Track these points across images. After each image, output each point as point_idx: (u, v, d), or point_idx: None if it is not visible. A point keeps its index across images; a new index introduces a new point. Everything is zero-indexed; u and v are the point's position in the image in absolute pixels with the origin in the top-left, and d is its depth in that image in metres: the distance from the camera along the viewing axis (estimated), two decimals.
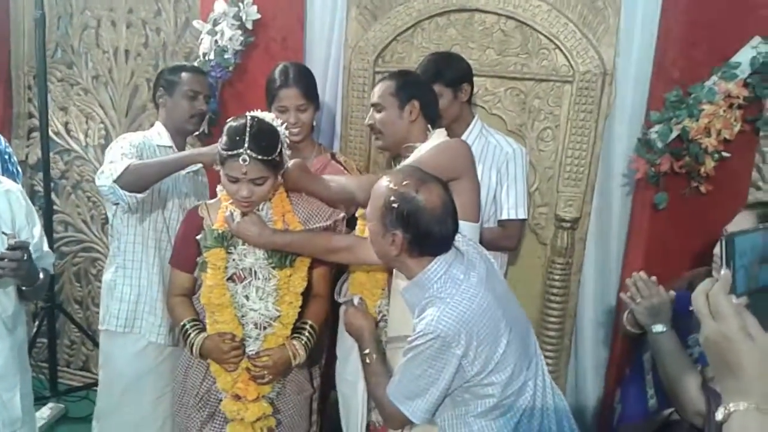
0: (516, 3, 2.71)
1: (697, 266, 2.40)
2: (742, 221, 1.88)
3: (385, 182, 1.64)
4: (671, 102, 2.41)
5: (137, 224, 2.39)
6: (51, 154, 3.33)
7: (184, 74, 2.47)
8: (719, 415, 0.90)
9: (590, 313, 2.89)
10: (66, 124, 3.40)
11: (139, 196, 2.19)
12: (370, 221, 1.67)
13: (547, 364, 2.83)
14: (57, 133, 3.39)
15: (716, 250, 1.94)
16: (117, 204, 2.27)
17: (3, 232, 1.89)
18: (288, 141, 2.04)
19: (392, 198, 1.59)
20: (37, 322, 3.33)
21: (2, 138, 2.61)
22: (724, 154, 2.42)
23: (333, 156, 2.59)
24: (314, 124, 2.53)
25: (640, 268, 2.58)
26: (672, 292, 1.99)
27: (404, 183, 1.60)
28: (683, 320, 1.94)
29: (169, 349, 2.42)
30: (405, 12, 2.83)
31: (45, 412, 3.23)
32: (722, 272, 0.91)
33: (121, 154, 2.24)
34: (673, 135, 2.42)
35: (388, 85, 2.17)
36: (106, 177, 2.16)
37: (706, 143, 2.38)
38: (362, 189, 1.98)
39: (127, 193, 2.16)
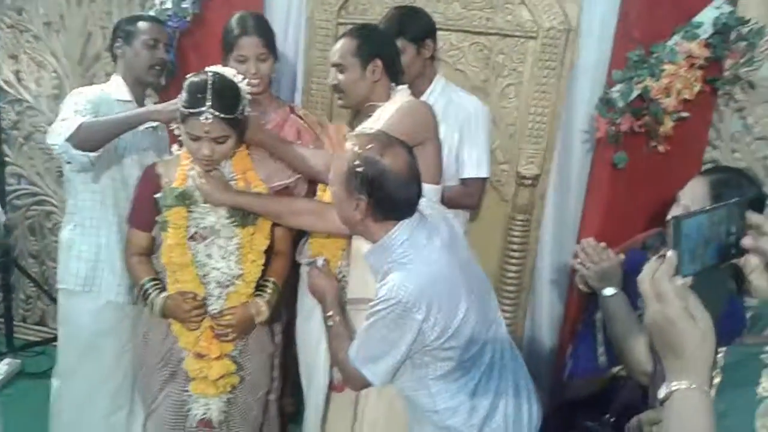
0: None
1: (654, 224, 2.45)
2: (696, 188, 1.90)
3: (349, 146, 1.63)
4: (633, 61, 2.42)
5: (94, 181, 2.33)
6: (1, 104, 3.23)
7: (141, 23, 2.39)
8: (661, 393, 0.94)
9: (547, 269, 2.94)
10: (17, 73, 3.27)
11: (92, 155, 2.13)
12: (333, 185, 1.66)
13: (505, 318, 2.91)
14: (7, 82, 3.26)
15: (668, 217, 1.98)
16: (70, 163, 2.22)
17: None
18: (249, 97, 1.99)
19: (357, 162, 1.58)
20: None
21: None
22: (683, 114, 2.44)
23: (292, 110, 2.52)
24: (273, 76, 2.47)
25: (598, 225, 2.67)
26: (621, 256, 2.03)
27: (369, 147, 1.59)
28: (634, 281, 1.98)
29: (129, 307, 2.40)
30: None
31: (1, 368, 3.19)
32: (668, 254, 0.94)
33: (74, 111, 2.17)
34: (634, 94, 2.43)
35: (349, 45, 2.13)
36: (57, 135, 2.11)
37: (666, 103, 2.41)
38: (329, 168, 1.95)
39: (80, 153, 2.11)
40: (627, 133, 2.50)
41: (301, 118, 2.48)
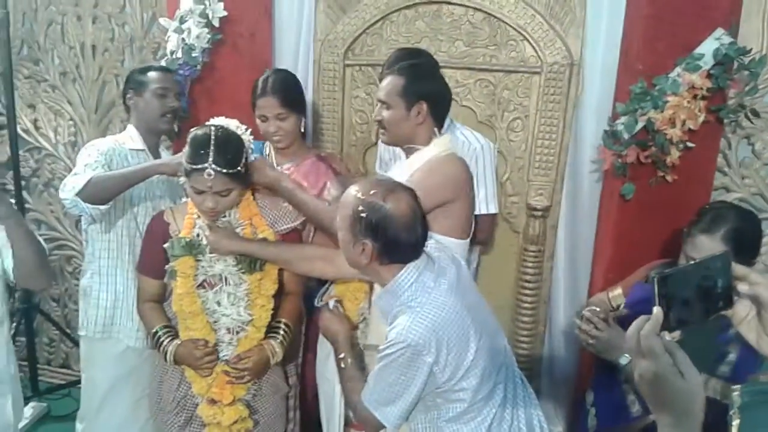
0: None
1: (664, 254, 2.46)
2: (705, 246, 1.91)
3: (353, 192, 1.66)
4: (636, 94, 2.44)
5: (109, 231, 2.39)
6: (21, 152, 3.31)
7: (151, 74, 2.46)
8: None
9: (562, 299, 2.95)
10: (35, 121, 3.35)
11: (103, 207, 2.20)
12: (339, 230, 1.69)
13: (523, 349, 2.95)
14: (26, 131, 3.35)
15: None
16: (81, 216, 2.28)
17: None
18: (252, 147, 2.05)
19: (360, 207, 1.61)
20: (14, 323, 3.31)
21: None
22: (689, 144, 2.46)
23: (319, 157, 2.56)
24: (302, 129, 2.51)
25: (610, 256, 2.68)
26: (616, 328, 2.03)
27: (372, 192, 1.62)
28: (637, 315, 1.99)
29: (147, 352, 2.44)
30: (373, 5, 2.83)
31: (27, 412, 3.22)
32: (654, 311, 0.95)
33: (85, 165, 2.23)
34: (639, 126, 2.45)
35: (395, 83, 2.07)
36: (68, 190, 2.18)
37: (671, 134, 2.42)
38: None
39: (89, 206, 2.17)
40: (634, 164, 2.51)
41: (329, 165, 2.52)
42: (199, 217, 2.04)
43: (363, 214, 1.60)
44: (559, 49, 2.68)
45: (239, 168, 1.94)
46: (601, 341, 2.00)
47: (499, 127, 2.84)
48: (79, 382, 2.64)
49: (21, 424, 2.86)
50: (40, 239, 2.03)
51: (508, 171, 2.87)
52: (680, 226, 2.11)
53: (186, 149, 1.94)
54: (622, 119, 2.48)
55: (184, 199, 2.13)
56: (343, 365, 1.82)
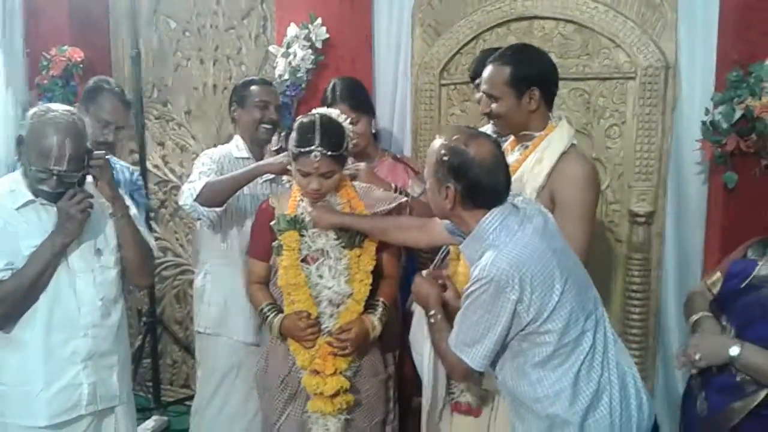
0: (573, 6, 2.79)
1: None
2: None
3: (437, 139, 1.74)
4: (732, 82, 2.41)
5: (219, 232, 2.59)
6: (151, 186, 3.65)
7: (253, 87, 2.67)
8: None
9: (674, 309, 2.84)
10: (164, 157, 3.71)
11: (218, 209, 2.41)
12: (426, 180, 1.77)
13: (635, 363, 2.82)
14: (156, 166, 3.71)
15: None
16: (199, 219, 2.49)
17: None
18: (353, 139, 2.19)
19: (443, 152, 1.68)
20: (139, 340, 3.58)
21: (135, 170, 2.93)
22: None
23: (395, 158, 2.70)
24: (374, 131, 2.66)
25: (720, 256, 2.57)
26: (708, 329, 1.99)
27: (454, 138, 1.69)
28: (732, 291, 1.97)
29: (256, 348, 2.57)
30: (466, 26, 2.96)
31: (149, 424, 3.45)
32: None
33: (199, 172, 2.46)
34: (737, 115, 2.40)
35: (500, 73, 2.02)
36: (186, 197, 2.40)
37: None
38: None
39: (206, 209, 2.38)
40: (736, 154, 2.45)
41: (405, 164, 2.65)
42: (302, 199, 2.18)
43: (445, 158, 1.67)
44: (653, 53, 2.68)
45: (342, 150, 2.08)
46: (703, 351, 1.91)
47: (596, 134, 2.85)
48: None
49: None
50: (150, 239, 2.25)
51: (607, 178, 2.85)
52: None
53: (293, 135, 2.10)
54: (720, 108, 2.44)
55: (287, 185, 2.28)
56: (432, 321, 1.84)
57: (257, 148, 2.70)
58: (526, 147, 2.10)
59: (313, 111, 2.17)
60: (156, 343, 3.73)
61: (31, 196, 1.97)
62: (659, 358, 2.91)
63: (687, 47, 2.65)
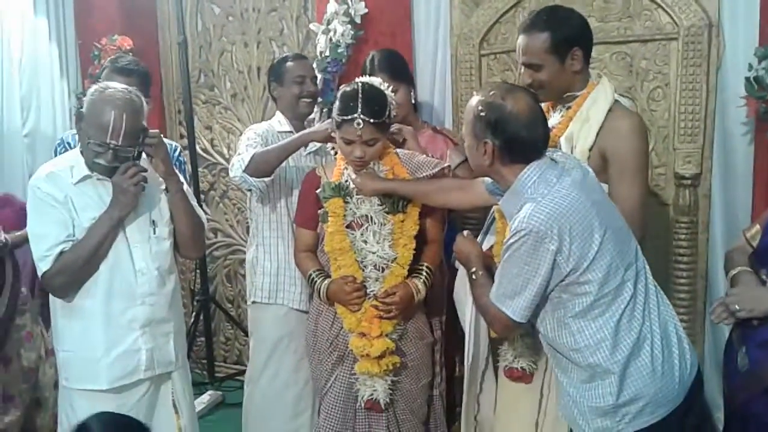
0: None
1: None
2: None
3: (474, 97, 1.76)
4: None
5: (269, 204, 2.66)
6: (200, 169, 3.75)
7: (289, 63, 2.73)
8: None
9: (723, 272, 2.78)
10: (211, 141, 3.82)
11: (267, 179, 2.48)
12: (465, 137, 1.79)
13: (683, 328, 2.80)
14: (204, 150, 3.82)
15: None
16: (250, 190, 2.57)
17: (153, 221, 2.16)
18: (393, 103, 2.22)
19: (480, 108, 1.69)
20: (193, 318, 3.69)
21: (177, 146, 3.02)
22: None
23: (435, 129, 2.74)
24: (413, 101, 2.69)
25: None
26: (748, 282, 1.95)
27: (491, 93, 1.70)
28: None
29: (307, 316, 2.63)
30: None
31: (204, 398, 3.57)
32: None
33: (246, 145, 2.54)
34: None
35: (540, 40, 2.00)
36: (236, 169, 2.48)
37: None
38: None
39: (256, 180, 2.45)
40: None
41: (445, 135, 2.69)
42: (347, 168, 2.23)
43: (482, 113, 1.68)
44: (695, 12, 2.65)
45: (385, 118, 2.12)
46: (742, 303, 1.88)
47: (639, 98, 2.83)
48: None
49: (198, 409, 3.04)
50: (201, 213, 2.33)
51: (652, 141, 2.79)
52: None
53: (336, 104, 2.15)
54: (764, 63, 2.40)
55: (330, 150, 2.33)
56: (474, 277, 1.87)
57: (299, 123, 2.76)
58: (569, 107, 2.11)
59: (356, 80, 2.21)
60: (209, 321, 3.84)
61: (87, 171, 2.06)
62: (708, 322, 2.88)
63: (729, 3, 2.61)
